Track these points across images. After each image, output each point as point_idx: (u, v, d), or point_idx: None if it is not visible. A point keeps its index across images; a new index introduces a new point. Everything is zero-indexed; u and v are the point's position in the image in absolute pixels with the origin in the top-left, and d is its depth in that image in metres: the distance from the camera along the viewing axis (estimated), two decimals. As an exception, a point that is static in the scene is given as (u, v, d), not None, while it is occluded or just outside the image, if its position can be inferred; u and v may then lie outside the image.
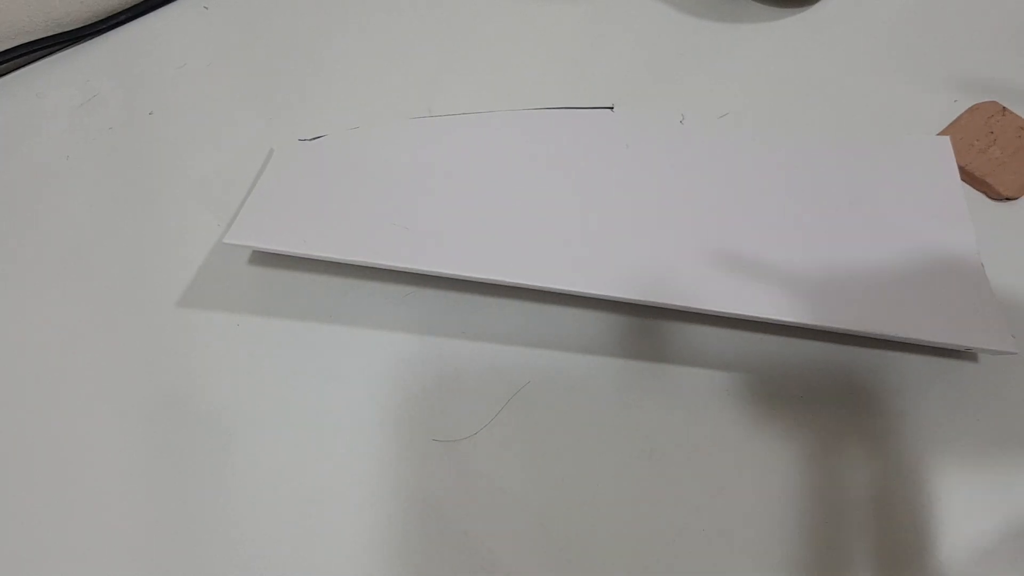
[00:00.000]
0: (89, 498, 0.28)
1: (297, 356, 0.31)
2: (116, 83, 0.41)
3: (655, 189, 0.33)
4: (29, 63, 0.43)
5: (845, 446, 0.28)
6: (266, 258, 0.34)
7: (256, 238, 0.31)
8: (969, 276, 0.29)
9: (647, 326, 0.31)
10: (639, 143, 0.34)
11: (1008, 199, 0.34)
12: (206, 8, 0.45)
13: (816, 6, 0.43)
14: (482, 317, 0.31)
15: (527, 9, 0.44)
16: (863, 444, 0.28)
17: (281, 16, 0.44)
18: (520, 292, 0.32)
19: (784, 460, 0.28)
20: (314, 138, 0.35)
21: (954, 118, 0.36)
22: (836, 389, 0.29)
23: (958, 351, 0.30)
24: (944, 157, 0.33)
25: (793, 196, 0.32)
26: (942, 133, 0.35)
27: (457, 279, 0.31)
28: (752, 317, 0.28)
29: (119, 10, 0.45)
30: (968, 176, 0.34)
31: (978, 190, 0.34)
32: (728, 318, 0.31)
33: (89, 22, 0.44)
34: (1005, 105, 0.36)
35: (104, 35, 0.44)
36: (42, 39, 0.42)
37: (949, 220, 0.31)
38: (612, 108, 0.36)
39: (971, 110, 0.36)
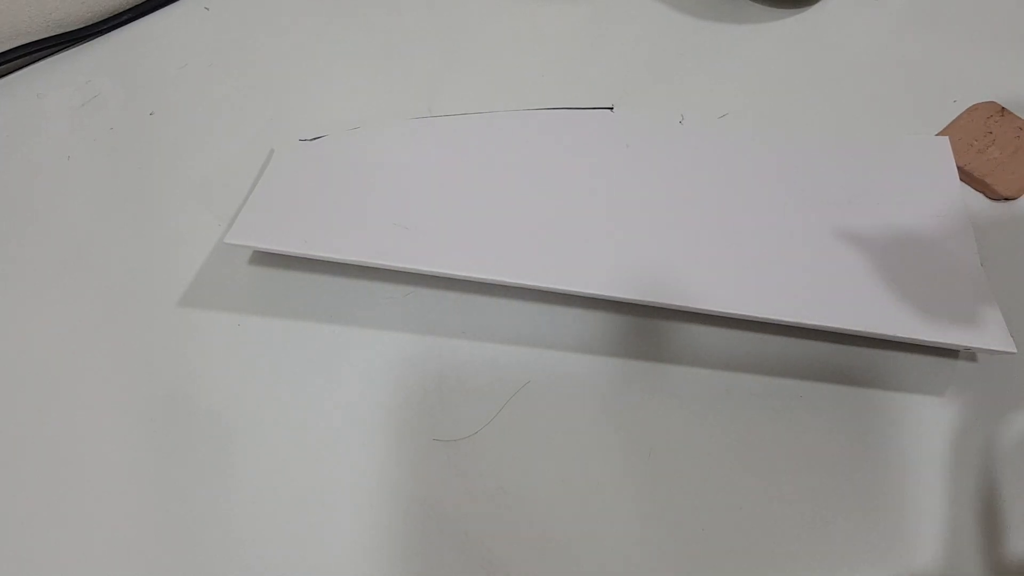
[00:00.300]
0: (89, 498, 0.28)
1: (297, 356, 0.31)
2: (117, 83, 0.41)
3: (655, 189, 0.33)
4: (29, 64, 0.43)
5: (845, 446, 0.28)
6: (266, 258, 0.34)
7: (257, 238, 0.31)
8: (968, 276, 0.29)
9: (647, 326, 0.31)
10: (639, 143, 0.35)
11: (1007, 199, 0.34)
12: (207, 8, 0.45)
13: (816, 6, 0.43)
14: (482, 317, 0.32)
15: (527, 9, 0.44)
16: (863, 444, 0.28)
17: (281, 16, 0.44)
18: (520, 292, 0.32)
19: (784, 460, 0.28)
20: (314, 138, 0.35)
21: (953, 118, 0.36)
22: (835, 389, 0.29)
23: (957, 351, 0.30)
24: (943, 157, 0.33)
25: (793, 196, 0.32)
26: (941, 133, 0.36)
27: (457, 279, 0.31)
28: (752, 317, 0.28)
29: (120, 10, 0.45)
30: (967, 176, 0.34)
31: (977, 190, 0.34)
32: (728, 318, 0.31)
33: (89, 22, 0.44)
34: (1004, 105, 0.36)
35: (104, 35, 0.44)
36: (42, 39, 0.42)
37: (948, 220, 0.31)
38: (612, 108, 0.36)
39: (970, 110, 0.36)
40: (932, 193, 0.32)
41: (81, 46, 0.44)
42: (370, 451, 0.28)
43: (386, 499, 0.27)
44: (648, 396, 0.29)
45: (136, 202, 0.36)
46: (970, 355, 0.30)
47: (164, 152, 0.38)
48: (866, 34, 0.41)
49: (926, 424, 0.28)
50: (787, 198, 0.32)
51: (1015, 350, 0.27)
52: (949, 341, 0.27)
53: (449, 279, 0.32)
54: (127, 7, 0.45)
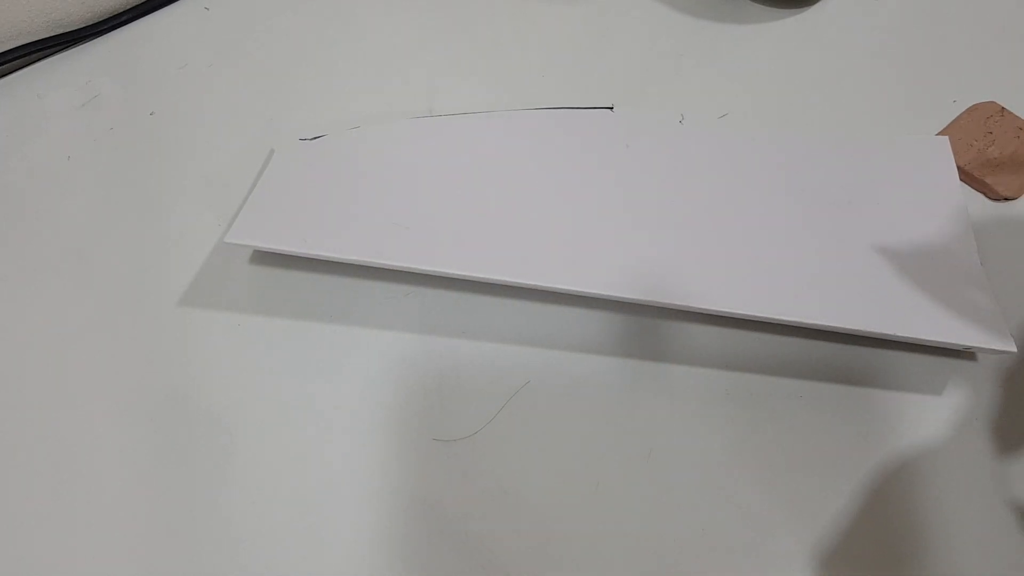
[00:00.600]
0: (89, 497, 0.28)
1: (298, 356, 0.31)
2: (117, 84, 0.41)
3: (655, 189, 0.33)
4: (30, 64, 0.43)
5: (844, 446, 0.28)
6: (267, 258, 0.34)
7: (257, 237, 0.31)
8: (968, 276, 0.29)
9: (647, 326, 0.31)
10: (639, 143, 0.35)
11: (1007, 199, 0.34)
12: (207, 8, 0.45)
13: (816, 6, 0.43)
14: (482, 317, 0.32)
15: (527, 9, 0.44)
16: (863, 444, 0.28)
17: (281, 16, 0.44)
18: (520, 292, 0.32)
19: (784, 460, 0.28)
20: (314, 138, 0.35)
21: (953, 118, 0.36)
22: (835, 388, 0.29)
23: (957, 351, 0.30)
24: (943, 157, 0.33)
25: (793, 196, 0.32)
26: (941, 133, 0.36)
27: (457, 279, 0.31)
28: (752, 317, 0.28)
29: (120, 10, 0.45)
30: (967, 176, 0.34)
31: (977, 190, 0.34)
32: (728, 318, 0.31)
33: (90, 22, 0.44)
34: (1004, 105, 0.36)
35: (105, 35, 0.44)
36: (43, 39, 0.42)
37: (948, 220, 0.31)
38: (612, 108, 0.36)
39: (970, 110, 0.36)
40: (932, 193, 0.32)
41: (81, 46, 0.44)
42: (370, 451, 0.28)
43: (386, 499, 0.27)
44: (648, 396, 0.29)
45: (136, 202, 0.36)
46: (970, 354, 0.30)
47: (164, 152, 0.38)
48: (866, 34, 0.41)
49: (926, 424, 0.28)
50: (787, 198, 0.32)
51: (1015, 350, 0.27)
52: (949, 341, 0.27)
53: (449, 279, 0.32)
54: (127, 7, 0.45)
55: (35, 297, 0.33)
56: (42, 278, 0.34)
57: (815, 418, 0.29)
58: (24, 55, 0.42)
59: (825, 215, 0.32)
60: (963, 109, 0.36)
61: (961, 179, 0.34)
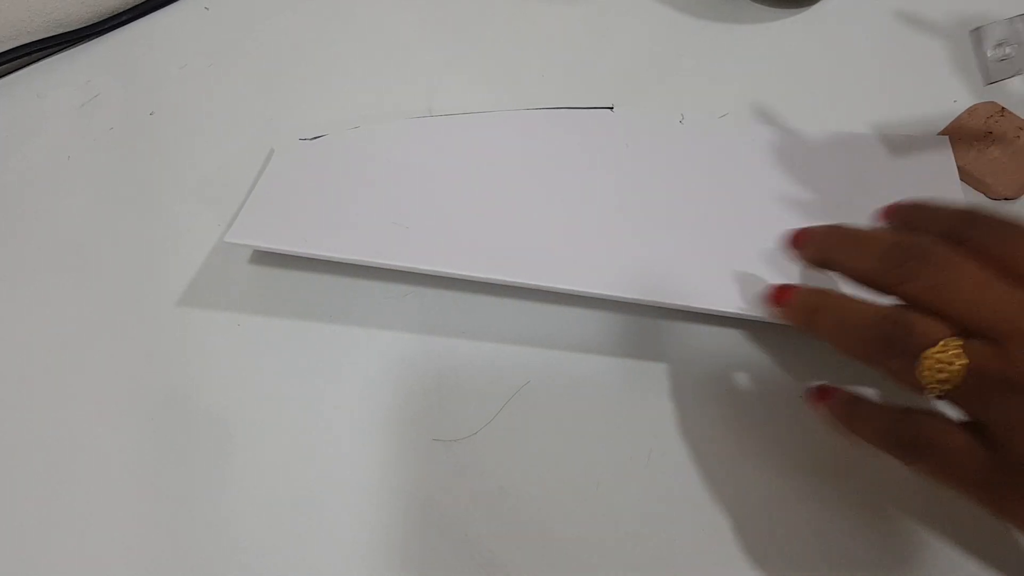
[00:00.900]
0: (89, 497, 0.28)
1: (297, 356, 0.31)
2: (117, 83, 0.41)
3: (655, 189, 0.33)
4: (30, 63, 0.43)
5: (844, 445, 0.28)
6: (266, 257, 0.34)
7: (257, 237, 0.31)
8: (968, 276, 0.29)
9: (647, 326, 0.31)
10: (639, 143, 0.34)
11: (1007, 199, 0.34)
12: (207, 8, 0.45)
13: (816, 6, 0.43)
14: (482, 317, 0.32)
15: (527, 9, 0.44)
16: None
17: (281, 16, 0.44)
18: (520, 292, 0.32)
19: (784, 460, 0.28)
20: (314, 138, 0.35)
21: (953, 118, 0.36)
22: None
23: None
24: (943, 157, 0.33)
25: (793, 196, 0.32)
26: (941, 133, 0.35)
27: (457, 279, 0.31)
28: (752, 317, 0.28)
29: (120, 10, 0.45)
30: (967, 176, 0.34)
31: (977, 190, 0.34)
32: (728, 318, 0.31)
33: (89, 22, 0.44)
34: (1004, 105, 0.36)
35: (105, 35, 0.44)
36: (42, 39, 0.42)
37: (948, 220, 0.31)
38: (612, 108, 0.36)
39: (970, 110, 0.36)
40: (932, 193, 0.32)
41: (81, 46, 0.44)
42: (370, 451, 0.28)
43: (386, 499, 0.27)
44: (648, 396, 0.29)
45: (136, 202, 0.36)
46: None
47: (164, 152, 0.38)
48: (866, 34, 0.41)
49: (926, 424, 0.28)
50: (787, 198, 0.32)
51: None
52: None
53: (448, 279, 0.32)
54: (127, 7, 0.45)
55: (35, 297, 0.33)
56: (42, 278, 0.34)
57: (815, 418, 0.29)
58: (24, 55, 0.42)
59: (826, 215, 0.31)
60: (964, 109, 0.36)
61: (961, 179, 0.34)
